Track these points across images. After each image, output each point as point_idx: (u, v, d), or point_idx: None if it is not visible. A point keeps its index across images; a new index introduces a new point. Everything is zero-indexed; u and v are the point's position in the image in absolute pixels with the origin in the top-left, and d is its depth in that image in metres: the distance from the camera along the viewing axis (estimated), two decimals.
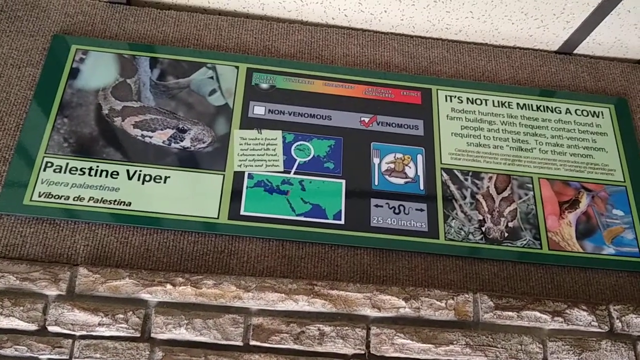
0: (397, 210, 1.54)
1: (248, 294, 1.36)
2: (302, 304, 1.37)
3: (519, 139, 1.69)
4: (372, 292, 1.39)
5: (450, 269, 1.53)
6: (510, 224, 1.57)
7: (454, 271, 1.52)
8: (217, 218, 1.48)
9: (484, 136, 1.68)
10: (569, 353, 1.38)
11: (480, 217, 1.57)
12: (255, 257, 1.48)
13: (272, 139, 1.59)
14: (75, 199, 1.45)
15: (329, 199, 1.53)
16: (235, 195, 1.51)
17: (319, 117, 1.64)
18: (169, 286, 1.35)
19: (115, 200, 1.47)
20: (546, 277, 1.54)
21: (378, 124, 1.65)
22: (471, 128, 1.69)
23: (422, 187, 1.59)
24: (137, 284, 1.35)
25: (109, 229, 1.46)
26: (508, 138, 1.69)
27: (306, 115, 1.64)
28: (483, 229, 1.56)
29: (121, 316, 1.32)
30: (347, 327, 1.35)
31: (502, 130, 1.70)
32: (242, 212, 1.49)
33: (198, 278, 1.37)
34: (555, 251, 1.56)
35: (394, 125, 1.66)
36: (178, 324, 1.32)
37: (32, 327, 1.30)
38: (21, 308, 1.30)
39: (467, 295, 1.42)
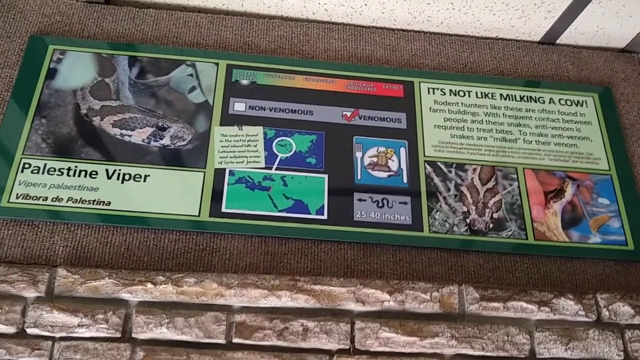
0: (380, 204, 1.53)
1: (230, 291, 1.34)
2: (285, 299, 1.35)
3: (503, 130, 1.68)
4: (356, 286, 1.37)
5: (435, 261, 1.51)
6: (495, 215, 1.56)
7: (439, 264, 1.51)
8: (199, 216, 1.46)
9: (468, 128, 1.67)
10: (556, 343, 1.37)
11: (465, 209, 1.56)
12: (237, 254, 1.46)
13: (253, 135, 1.57)
14: (54, 199, 1.44)
15: (312, 194, 1.52)
16: (217, 192, 1.49)
17: (300, 112, 1.62)
18: (149, 285, 1.33)
19: (94, 200, 1.45)
20: (532, 268, 1.53)
21: (360, 118, 1.64)
22: (454, 120, 1.68)
23: (405, 181, 1.57)
24: (117, 283, 1.33)
25: (88, 229, 1.44)
26: (492, 129, 1.68)
27: (287, 110, 1.62)
28: (468, 220, 1.55)
29: (101, 317, 1.30)
30: (331, 322, 1.33)
31: (486, 121, 1.69)
32: (223, 209, 1.48)
33: (179, 276, 1.35)
34: (541, 241, 1.54)
35: (376, 118, 1.65)
36: (159, 323, 1.30)
37: (11, 329, 1.28)
38: None
39: (452, 287, 1.40)
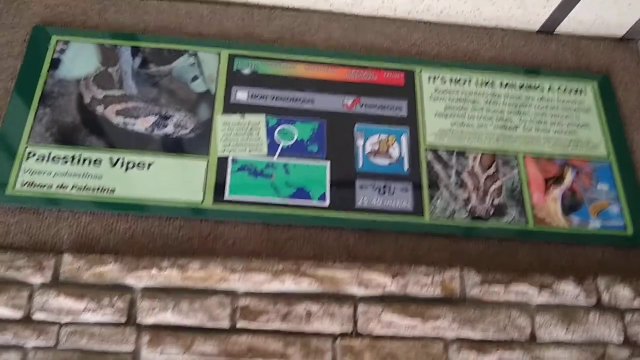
0: (382, 191, 1.54)
1: (234, 275, 1.36)
2: (289, 284, 1.36)
3: (503, 118, 1.70)
4: (359, 270, 1.39)
5: (436, 248, 1.52)
6: (495, 202, 1.57)
7: (440, 250, 1.52)
8: (202, 203, 1.48)
9: (468, 116, 1.69)
10: (556, 326, 1.38)
11: (466, 196, 1.57)
12: (240, 241, 1.48)
13: (255, 124, 1.59)
14: (59, 187, 1.45)
15: (314, 182, 1.53)
16: (220, 180, 1.51)
17: (301, 100, 1.64)
18: (154, 271, 1.35)
19: (98, 188, 1.46)
20: (533, 253, 1.54)
21: (361, 106, 1.65)
22: (455, 108, 1.69)
23: (406, 168, 1.59)
24: (122, 269, 1.34)
25: (93, 217, 1.45)
26: (492, 117, 1.69)
27: (289, 99, 1.64)
28: (468, 207, 1.56)
29: (107, 302, 1.31)
30: (334, 306, 1.35)
31: (486, 109, 1.70)
32: (226, 197, 1.49)
33: (184, 262, 1.36)
34: (541, 227, 1.56)
35: (377, 107, 1.66)
36: (164, 308, 1.32)
37: (17, 314, 1.29)
38: (6, 296, 1.30)
39: (453, 272, 1.42)
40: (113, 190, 1.46)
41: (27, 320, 1.30)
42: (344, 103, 1.65)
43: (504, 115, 1.70)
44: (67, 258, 1.35)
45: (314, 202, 1.51)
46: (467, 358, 1.34)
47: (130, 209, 1.46)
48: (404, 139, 1.62)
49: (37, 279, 1.33)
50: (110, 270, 1.34)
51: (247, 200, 1.49)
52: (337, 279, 1.38)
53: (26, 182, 1.45)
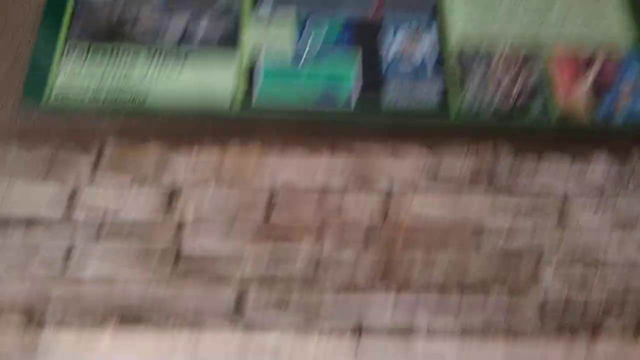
0: (408, 91, 1.56)
1: (270, 159, 1.41)
2: (322, 172, 1.39)
3: (530, 11, 1.70)
4: (391, 151, 1.42)
5: (463, 147, 1.53)
6: (522, 97, 1.58)
7: (467, 148, 1.53)
8: (231, 106, 1.51)
9: (495, 11, 1.70)
10: (588, 198, 1.40)
11: (492, 92, 1.58)
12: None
13: (282, 28, 1.61)
14: (93, 94, 1.49)
15: (341, 84, 1.56)
16: (249, 83, 1.54)
17: (327, 4, 1.66)
18: (195, 152, 1.41)
19: (132, 93, 1.50)
20: (560, 147, 1.54)
21: (387, 7, 1.67)
22: (482, 4, 1.71)
23: (433, 67, 1.60)
24: (164, 155, 1.41)
25: (127, 121, 1.49)
26: (519, 10, 1.70)
27: (315, 4, 1.66)
28: (495, 103, 1.57)
29: (147, 192, 1.35)
30: (366, 192, 1.37)
31: (513, 3, 1.71)
32: (255, 100, 1.52)
33: (223, 138, 1.43)
34: (568, 121, 1.57)
35: (402, 7, 1.67)
36: (204, 195, 1.36)
37: (62, 204, 1.34)
38: (49, 185, 1.35)
39: (485, 151, 1.43)
40: (146, 96, 1.50)
41: (70, 210, 1.34)
42: (370, 3, 1.67)
43: (531, 8, 1.71)
44: (109, 145, 1.42)
45: (342, 104, 1.53)
46: (497, 241, 1.36)
47: (163, 114, 1.49)
48: (430, 38, 1.64)
49: (79, 170, 1.37)
50: (152, 153, 1.41)
51: (276, 104, 1.52)
52: (370, 164, 1.40)
53: (62, 88, 1.50)
